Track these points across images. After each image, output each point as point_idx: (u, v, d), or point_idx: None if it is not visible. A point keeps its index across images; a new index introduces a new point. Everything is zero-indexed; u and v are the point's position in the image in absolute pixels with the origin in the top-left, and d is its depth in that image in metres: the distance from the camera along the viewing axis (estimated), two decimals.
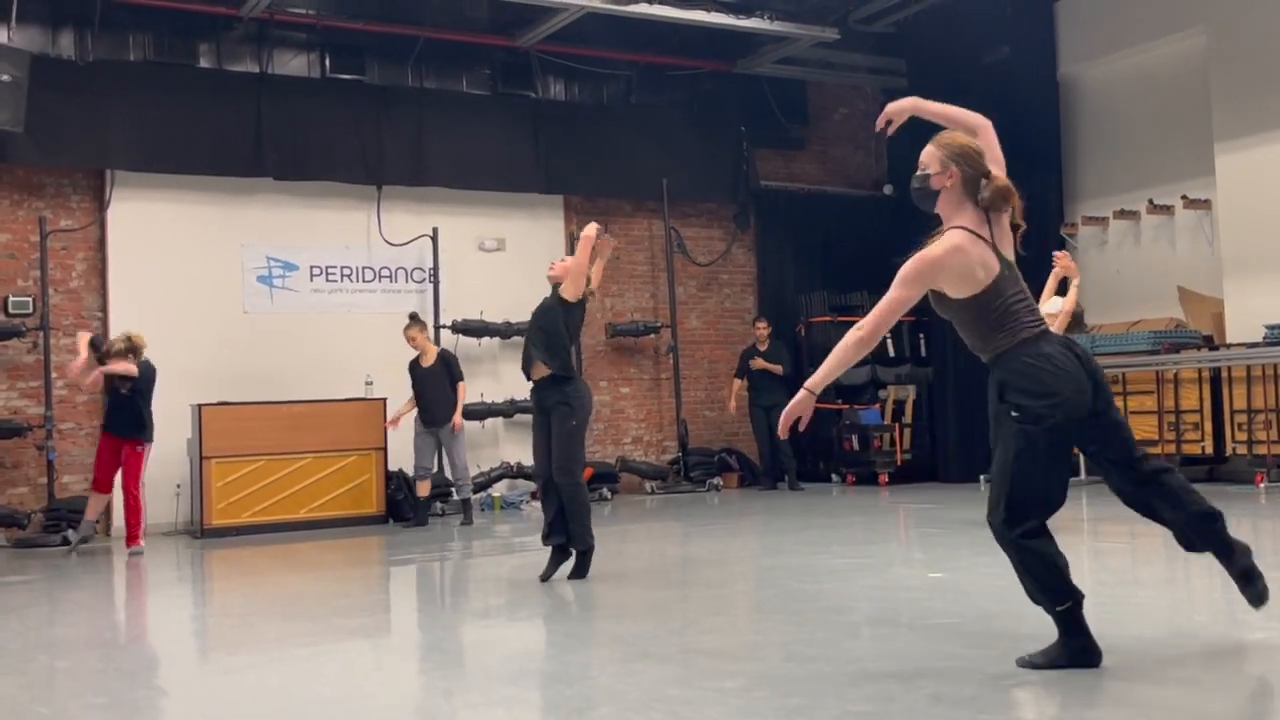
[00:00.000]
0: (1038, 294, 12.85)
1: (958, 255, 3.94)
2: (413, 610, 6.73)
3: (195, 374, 10.83)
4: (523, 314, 12.44)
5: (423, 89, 12.26)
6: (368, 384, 11.07)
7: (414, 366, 10.71)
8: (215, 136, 11.25)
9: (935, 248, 3.98)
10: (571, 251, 12.17)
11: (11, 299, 10.55)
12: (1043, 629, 4.12)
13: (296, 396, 10.87)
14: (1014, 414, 3.93)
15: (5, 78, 9.46)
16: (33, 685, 4.77)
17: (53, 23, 10.71)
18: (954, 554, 7.34)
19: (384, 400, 10.94)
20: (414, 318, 10.84)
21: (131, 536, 9.17)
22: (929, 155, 4.13)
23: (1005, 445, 3.96)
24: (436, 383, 10.62)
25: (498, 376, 12.32)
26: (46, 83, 10.19)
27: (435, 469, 10.95)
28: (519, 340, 12.39)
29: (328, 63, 11.83)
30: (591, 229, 6.84)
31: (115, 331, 10.26)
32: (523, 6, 11.45)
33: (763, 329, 13.07)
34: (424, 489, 10.68)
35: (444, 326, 12.00)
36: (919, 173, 4.14)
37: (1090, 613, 4.02)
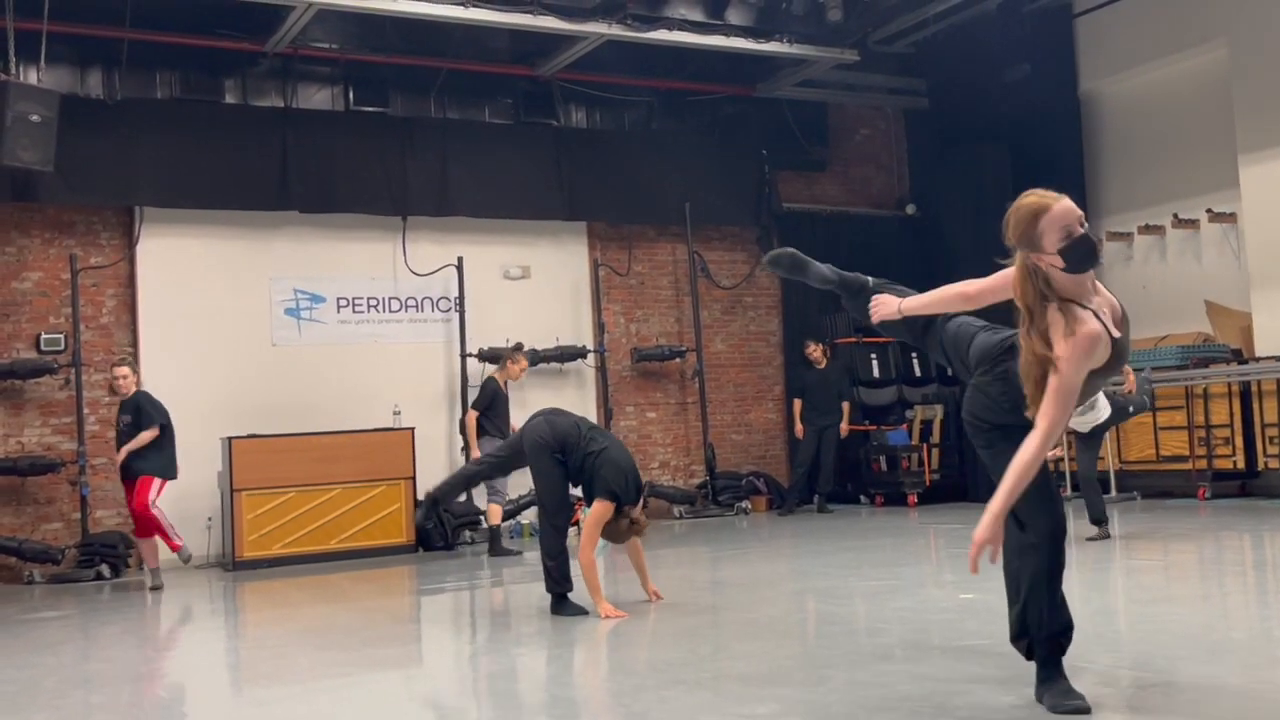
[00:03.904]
0: None
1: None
2: (444, 639, 6.74)
3: (225, 407, 10.92)
4: (548, 341, 12.63)
5: (446, 120, 12.35)
6: (396, 414, 11.11)
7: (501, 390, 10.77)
8: (241, 171, 11.37)
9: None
10: (597, 280, 12.24)
11: (44, 336, 10.68)
12: (1076, 650, 4.10)
13: (325, 428, 10.93)
14: None
15: (35, 118, 9.57)
16: None
17: (81, 63, 10.85)
18: (985, 575, 7.28)
19: (412, 430, 10.98)
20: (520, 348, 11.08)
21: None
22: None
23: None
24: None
25: (525, 405, 12.31)
26: (75, 122, 10.32)
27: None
28: (545, 368, 12.54)
29: (351, 96, 11.93)
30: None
31: (146, 366, 10.38)
32: (543, 36, 11.54)
33: (816, 350, 12.84)
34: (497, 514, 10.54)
35: (470, 355, 12.04)
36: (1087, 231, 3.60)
37: (1124, 630, 3.99)
